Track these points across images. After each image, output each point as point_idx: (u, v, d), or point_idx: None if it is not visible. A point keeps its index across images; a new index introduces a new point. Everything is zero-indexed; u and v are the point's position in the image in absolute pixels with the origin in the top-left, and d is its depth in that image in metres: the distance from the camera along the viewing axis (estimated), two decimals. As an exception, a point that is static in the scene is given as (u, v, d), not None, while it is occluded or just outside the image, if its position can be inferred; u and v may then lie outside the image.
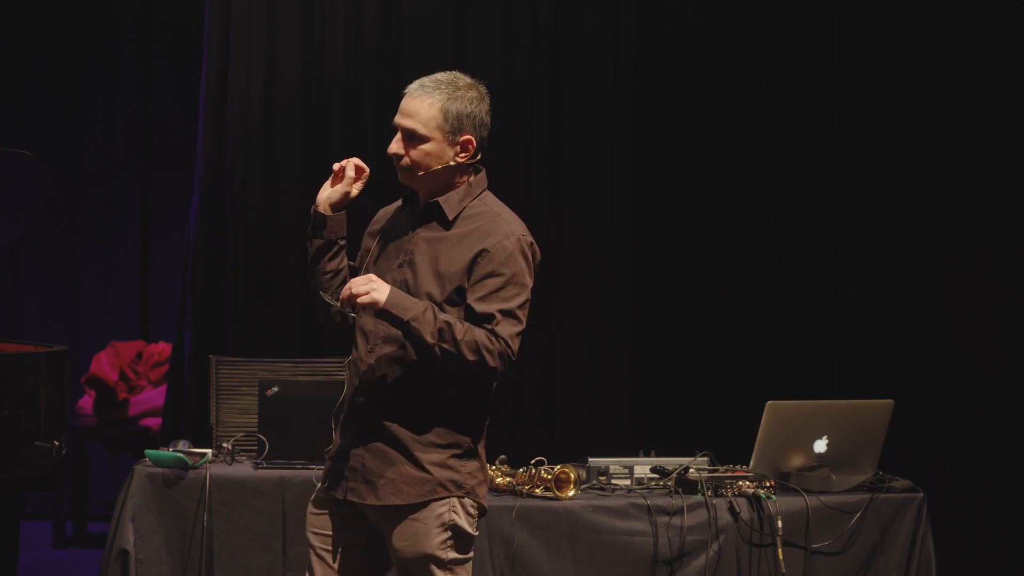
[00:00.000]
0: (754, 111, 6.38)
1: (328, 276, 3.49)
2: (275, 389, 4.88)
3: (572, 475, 4.68)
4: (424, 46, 6.17)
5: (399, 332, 3.33)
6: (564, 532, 4.62)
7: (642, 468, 4.86)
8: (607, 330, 6.31)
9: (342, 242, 3.50)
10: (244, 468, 4.86)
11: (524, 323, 3.39)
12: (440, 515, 3.38)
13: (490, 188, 3.54)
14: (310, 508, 3.50)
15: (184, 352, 6.07)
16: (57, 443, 4.77)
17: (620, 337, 6.32)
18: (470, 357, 3.28)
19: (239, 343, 6.04)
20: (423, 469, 3.37)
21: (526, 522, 4.58)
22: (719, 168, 6.38)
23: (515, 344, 3.34)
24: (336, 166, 3.48)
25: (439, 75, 3.42)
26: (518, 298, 3.37)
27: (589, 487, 4.82)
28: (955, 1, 6.07)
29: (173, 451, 4.86)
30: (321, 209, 3.46)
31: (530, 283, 3.41)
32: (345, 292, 3.30)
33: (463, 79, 3.43)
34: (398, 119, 3.42)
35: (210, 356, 5.44)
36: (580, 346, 6.28)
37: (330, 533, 3.45)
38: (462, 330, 3.29)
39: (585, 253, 6.29)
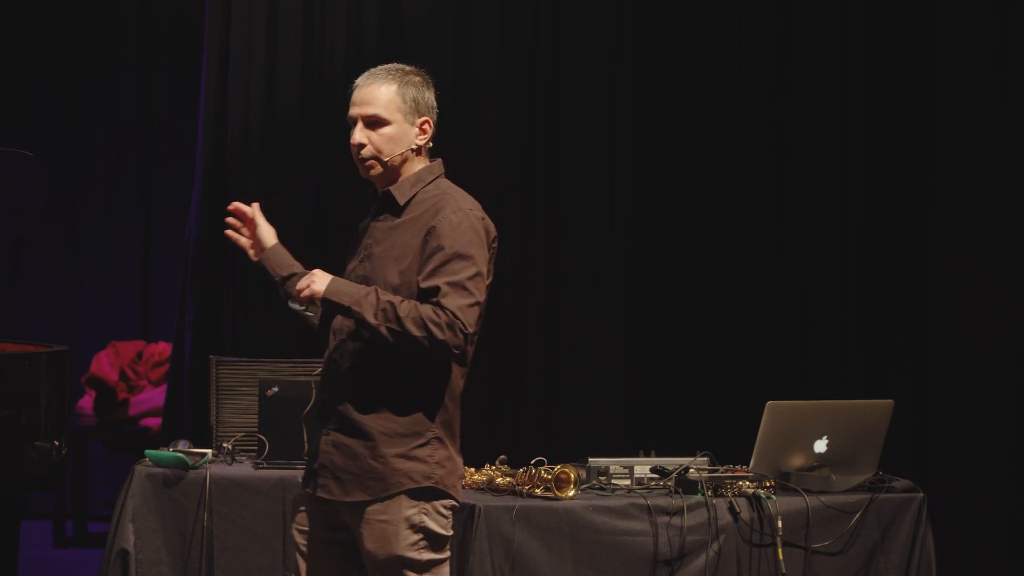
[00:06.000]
0: (754, 111, 6.38)
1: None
2: (275, 389, 4.87)
3: (572, 475, 4.67)
4: (424, 46, 6.16)
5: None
6: (564, 532, 4.61)
7: (642, 468, 4.85)
8: (607, 330, 6.31)
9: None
10: (244, 468, 4.86)
11: (478, 296, 3.35)
12: (409, 517, 3.35)
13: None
14: (294, 506, 3.52)
15: (184, 352, 6.06)
16: (57, 443, 4.77)
17: (620, 337, 6.32)
18: (417, 333, 3.26)
19: (239, 343, 6.04)
20: (386, 462, 3.34)
21: (526, 522, 4.57)
22: (719, 168, 6.38)
23: (467, 316, 3.30)
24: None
25: (384, 66, 3.46)
26: (466, 271, 3.34)
27: (589, 487, 4.81)
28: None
29: (173, 451, 4.86)
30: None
31: (481, 256, 3.38)
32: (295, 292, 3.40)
33: (406, 66, 3.48)
34: (356, 110, 3.43)
35: (210, 356, 5.44)
36: (580, 346, 6.27)
37: (307, 529, 3.46)
38: (407, 307, 3.28)
39: (585, 253, 6.28)
